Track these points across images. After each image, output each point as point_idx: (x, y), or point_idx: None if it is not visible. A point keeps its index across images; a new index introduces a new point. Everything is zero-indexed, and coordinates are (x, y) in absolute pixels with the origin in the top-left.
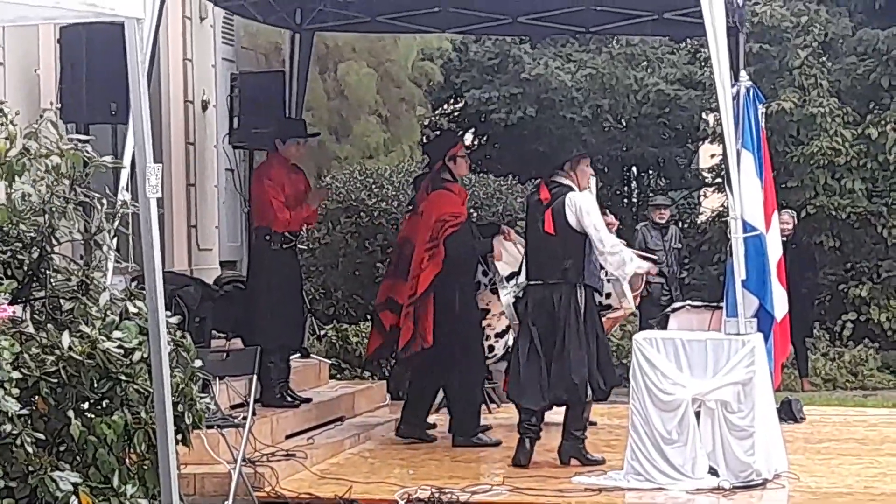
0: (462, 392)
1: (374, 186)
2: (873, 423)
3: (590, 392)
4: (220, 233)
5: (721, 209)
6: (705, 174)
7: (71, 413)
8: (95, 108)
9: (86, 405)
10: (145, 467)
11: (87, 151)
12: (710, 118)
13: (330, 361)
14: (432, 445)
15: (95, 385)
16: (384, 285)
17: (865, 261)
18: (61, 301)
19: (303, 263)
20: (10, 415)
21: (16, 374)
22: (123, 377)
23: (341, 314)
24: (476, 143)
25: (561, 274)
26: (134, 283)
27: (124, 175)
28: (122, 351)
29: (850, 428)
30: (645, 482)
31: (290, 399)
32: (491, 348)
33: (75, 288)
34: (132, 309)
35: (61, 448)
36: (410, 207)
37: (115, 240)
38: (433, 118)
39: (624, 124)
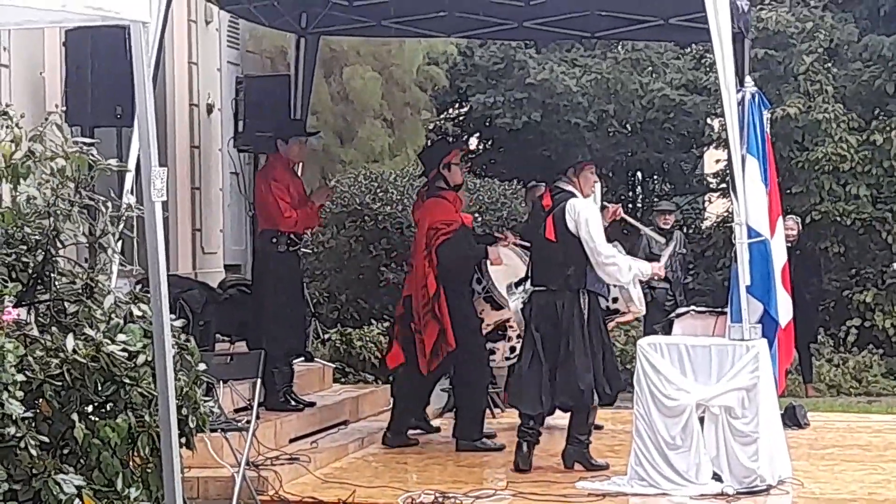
0: (466, 397)
1: (378, 191)
2: (877, 430)
3: (596, 398)
4: (224, 236)
5: (726, 215)
6: (710, 180)
7: (75, 416)
8: (100, 112)
9: (90, 408)
10: (149, 470)
11: (92, 154)
12: (715, 123)
13: (334, 365)
14: (436, 449)
15: (99, 388)
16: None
17: (870, 267)
18: (66, 304)
19: (307, 267)
20: (14, 417)
21: (20, 377)
22: (127, 380)
23: (345, 318)
24: (481, 147)
25: (563, 280)
26: (138, 287)
27: (129, 178)
28: (126, 354)
29: (854, 434)
30: (649, 488)
31: (293, 403)
32: (513, 349)
33: (80, 291)
34: (136, 312)
35: (65, 451)
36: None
37: (119, 243)
38: (438, 122)
39: (629, 129)
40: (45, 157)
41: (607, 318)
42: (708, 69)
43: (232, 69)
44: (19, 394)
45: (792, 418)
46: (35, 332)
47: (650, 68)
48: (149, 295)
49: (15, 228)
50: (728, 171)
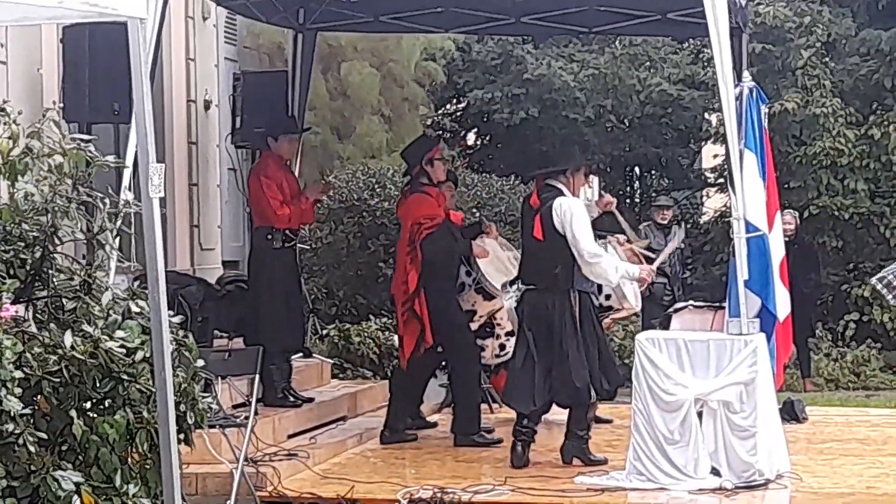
0: (460, 392)
1: (376, 186)
2: (876, 424)
3: (593, 394)
4: (222, 232)
5: (724, 209)
6: (708, 174)
7: (73, 412)
8: (98, 108)
9: (88, 405)
10: (147, 467)
11: (90, 151)
12: (713, 118)
13: (332, 361)
14: (434, 445)
15: (98, 384)
16: None
17: (868, 261)
18: (64, 300)
19: (304, 263)
20: (12, 414)
21: (18, 374)
22: (126, 377)
23: (343, 314)
24: (478, 143)
25: (552, 279)
26: (136, 283)
27: (127, 175)
28: (124, 350)
29: (853, 428)
30: (647, 482)
31: (292, 399)
32: (503, 346)
33: (78, 287)
34: (134, 308)
35: (63, 447)
36: None
37: (117, 239)
38: (436, 118)
39: (627, 124)
40: (43, 154)
41: (601, 316)
42: (706, 64)
43: (229, 65)
44: (17, 390)
45: (790, 413)
46: (33, 329)
47: (648, 63)
48: (147, 291)
49: (13, 225)
50: (726, 166)
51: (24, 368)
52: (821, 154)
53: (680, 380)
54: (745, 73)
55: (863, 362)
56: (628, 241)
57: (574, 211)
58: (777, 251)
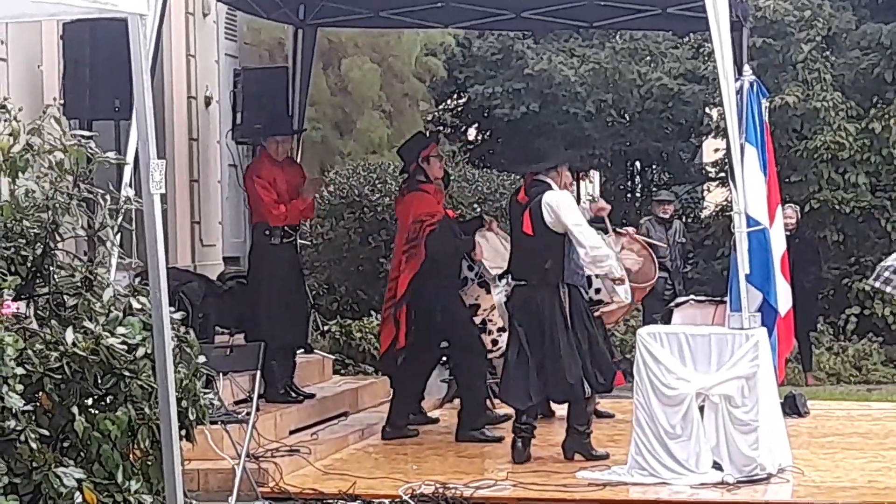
0: (464, 388)
1: (377, 182)
2: (877, 418)
3: (587, 388)
4: (223, 229)
5: (725, 204)
6: (709, 169)
7: (75, 409)
8: (98, 105)
9: (90, 401)
10: (149, 463)
11: (91, 147)
12: (714, 113)
13: (333, 357)
14: (436, 440)
15: (99, 381)
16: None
17: (869, 255)
18: (65, 297)
19: (305, 259)
20: (14, 411)
21: (20, 371)
22: (127, 373)
23: (345, 310)
24: (479, 138)
25: (542, 274)
26: (137, 279)
27: (127, 171)
28: (125, 347)
29: (854, 422)
30: (649, 477)
31: (293, 395)
32: (495, 342)
33: (79, 284)
34: (136, 305)
35: (65, 444)
36: None
37: (118, 236)
38: (436, 113)
39: (627, 119)
40: (44, 151)
41: (591, 309)
42: (706, 58)
43: (230, 61)
44: (19, 387)
45: (792, 407)
46: (34, 326)
47: (648, 58)
48: (148, 287)
49: (14, 222)
50: (727, 160)
51: (26, 365)
52: (822, 148)
53: (681, 374)
54: (746, 67)
55: (864, 356)
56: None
57: (564, 204)
58: (778, 245)
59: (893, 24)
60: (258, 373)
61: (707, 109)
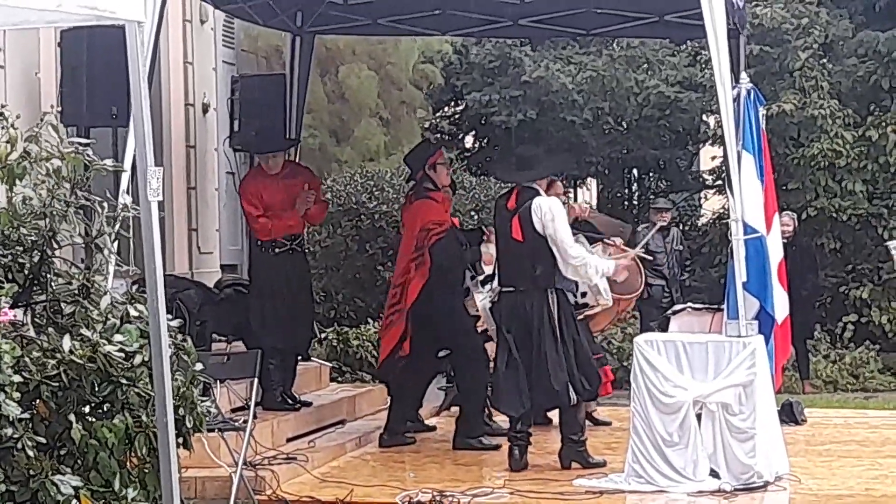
0: (464, 396)
1: (374, 189)
2: (874, 426)
3: (573, 395)
4: (220, 236)
5: (722, 211)
6: (706, 176)
7: (72, 417)
8: (96, 112)
9: (87, 409)
10: (146, 471)
11: (88, 155)
12: (711, 120)
13: (331, 364)
14: (433, 448)
15: (96, 389)
16: None
17: (866, 263)
18: (62, 305)
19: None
20: (10, 419)
21: (17, 378)
22: (124, 381)
23: (342, 317)
24: (477, 145)
25: (531, 280)
26: (135, 287)
27: (125, 178)
28: (123, 354)
29: (851, 430)
30: (646, 485)
31: (290, 402)
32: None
33: (76, 291)
34: (133, 312)
35: (62, 452)
36: None
37: (115, 243)
38: (434, 121)
39: (624, 127)
40: (41, 158)
41: (577, 313)
42: (703, 66)
43: (227, 68)
44: (16, 395)
45: (789, 414)
46: (31, 333)
47: (645, 65)
48: (145, 295)
49: (11, 229)
50: (724, 168)
51: (23, 373)
52: (819, 156)
53: (679, 382)
54: (743, 75)
55: (861, 364)
56: (626, 244)
57: (555, 212)
58: (775, 253)
59: (890, 31)
60: (255, 380)
61: (704, 117)
